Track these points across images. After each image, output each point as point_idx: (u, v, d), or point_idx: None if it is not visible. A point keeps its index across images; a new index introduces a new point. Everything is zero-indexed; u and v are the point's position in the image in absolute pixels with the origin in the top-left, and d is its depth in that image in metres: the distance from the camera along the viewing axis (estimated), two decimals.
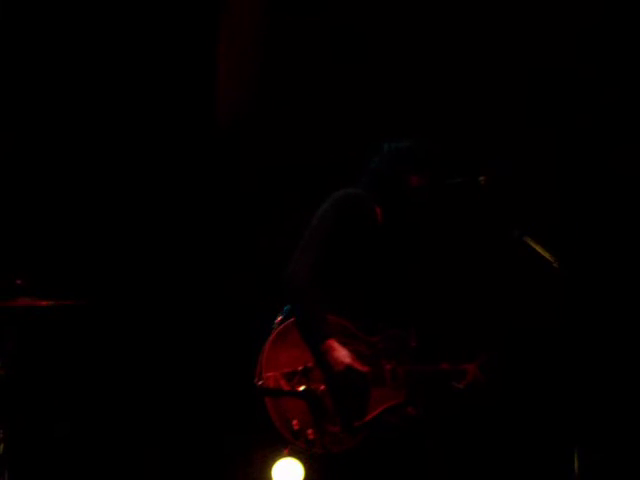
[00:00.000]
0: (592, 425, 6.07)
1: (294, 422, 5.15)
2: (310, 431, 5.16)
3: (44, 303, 5.61)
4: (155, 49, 6.81)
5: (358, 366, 5.25)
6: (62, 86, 6.74)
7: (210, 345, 6.72)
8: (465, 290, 6.64)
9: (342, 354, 5.24)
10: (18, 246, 6.51)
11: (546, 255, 5.32)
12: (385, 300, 5.50)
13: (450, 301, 6.51)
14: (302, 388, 5.20)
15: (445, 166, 5.51)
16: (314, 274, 5.33)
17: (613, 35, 6.68)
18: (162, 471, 6.56)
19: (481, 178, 5.43)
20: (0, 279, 5.60)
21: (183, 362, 6.70)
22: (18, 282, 5.58)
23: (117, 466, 6.53)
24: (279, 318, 5.38)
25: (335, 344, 5.25)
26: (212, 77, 6.92)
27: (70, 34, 6.71)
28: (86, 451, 6.51)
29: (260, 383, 5.19)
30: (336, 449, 5.21)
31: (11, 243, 6.48)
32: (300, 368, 5.24)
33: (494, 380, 5.53)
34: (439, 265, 6.18)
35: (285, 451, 5.25)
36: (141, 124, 6.80)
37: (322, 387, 5.23)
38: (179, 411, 6.64)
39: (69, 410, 6.51)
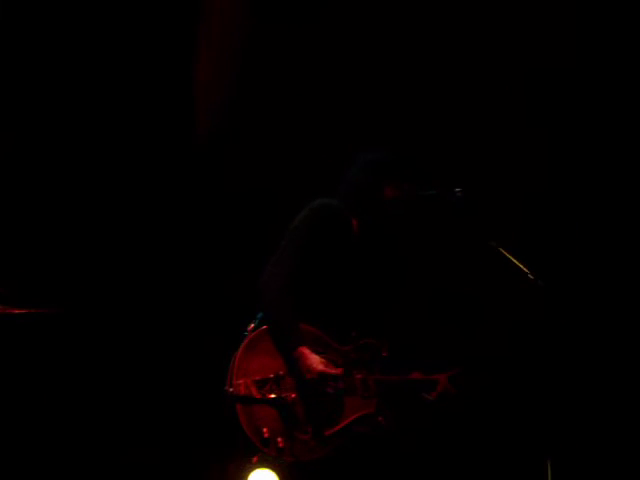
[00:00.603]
0: (565, 434, 6.08)
1: (264, 430, 5.14)
2: (280, 439, 5.16)
3: (17, 311, 5.61)
4: (133, 60, 6.81)
5: (331, 371, 5.25)
6: (41, 100, 6.74)
7: (182, 353, 6.71)
8: (439, 301, 6.65)
9: (314, 361, 5.24)
10: None
11: (522, 267, 5.33)
12: (358, 310, 5.51)
13: (424, 312, 6.52)
14: (273, 396, 5.20)
15: (421, 177, 5.52)
16: (288, 283, 5.33)
17: (608, 36, 6.70)
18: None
19: (457, 190, 5.44)
20: None
21: (156, 371, 6.69)
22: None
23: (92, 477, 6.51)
24: (251, 325, 5.38)
25: (307, 351, 5.26)
26: (190, 87, 6.93)
27: (50, 45, 6.72)
28: (63, 460, 6.48)
29: (231, 390, 5.19)
30: (306, 457, 5.21)
31: None
32: (272, 376, 5.24)
33: (465, 391, 5.54)
34: (414, 276, 6.18)
35: (254, 459, 5.23)
36: (120, 134, 6.80)
37: (293, 395, 5.23)
38: (152, 420, 6.62)
39: (45, 417, 6.49)
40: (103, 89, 6.78)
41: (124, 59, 6.78)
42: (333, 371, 5.25)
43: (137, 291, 6.74)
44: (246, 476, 5.39)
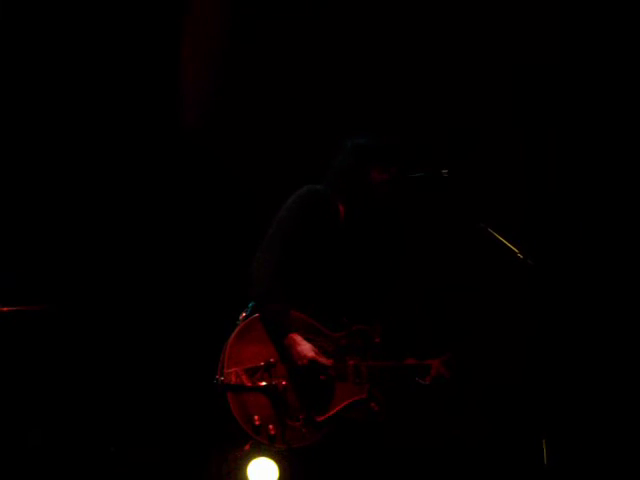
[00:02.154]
0: (560, 417, 6.05)
1: (255, 417, 5.15)
2: (271, 426, 5.16)
3: (5, 309, 5.64)
4: (119, 52, 6.83)
5: (321, 359, 5.25)
6: (30, 96, 6.76)
7: (175, 343, 6.72)
8: (430, 285, 6.63)
9: (305, 348, 5.24)
10: None
11: (511, 246, 5.31)
12: (349, 296, 5.49)
13: (415, 296, 6.49)
14: (264, 384, 5.21)
15: (407, 160, 5.50)
16: (278, 270, 5.33)
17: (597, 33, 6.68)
18: (136, 474, 6.54)
19: (444, 171, 5.42)
20: None
21: (150, 363, 6.70)
22: None
23: (90, 472, 6.51)
24: (243, 314, 5.38)
25: (298, 338, 5.25)
26: (176, 77, 6.94)
27: (41, 41, 6.74)
28: (59, 458, 6.50)
29: (222, 379, 5.19)
30: (298, 444, 5.21)
31: None
32: (262, 364, 5.24)
33: (458, 376, 5.52)
34: (403, 260, 6.16)
35: (246, 447, 5.23)
36: (107, 126, 6.82)
37: (284, 382, 5.22)
38: (149, 412, 6.64)
39: (39, 417, 6.51)
40: (89, 84, 6.80)
41: (110, 52, 6.80)
42: (324, 361, 5.25)
43: (129, 284, 6.75)
44: (245, 466, 5.42)
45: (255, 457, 5.38)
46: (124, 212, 6.80)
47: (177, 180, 6.87)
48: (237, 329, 5.30)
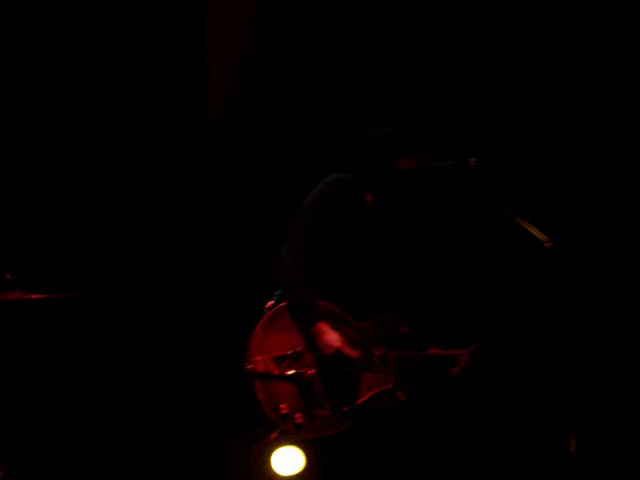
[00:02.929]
0: (588, 408, 6.04)
1: (283, 406, 5.17)
2: (299, 415, 5.18)
3: (35, 296, 5.68)
4: (145, 43, 6.85)
5: (348, 350, 5.26)
6: (55, 85, 6.81)
7: (201, 331, 6.75)
8: (457, 274, 6.62)
9: (332, 337, 5.26)
10: (8, 241, 6.56)
11: (537, 234, 5.30)
12: (376, 285, 5.50)
13: (441, 286, 6.49)
14: (291, 372, 5.22)
15: (433, 148, 5.49)
16: (307, 258, 5.35)
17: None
18: (159, 461, 6.57)
19: (471, 160, 5.42)
20: None
21: (174, 351, 6.74)
22: (8, 277, 5.65)
23: (113, 460, 6.55)
24: (270, 302, 5.40)
25: (326, 327, 5.27)
26: (203, 69, 6.96)
27: (62, 33, 6.78)
28: (83, 446, 6.54)
29: (249, 367, 5.21)
30: (325, 433, 5.23)
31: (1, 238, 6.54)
32: (290, 352, 5.26)
33: (486, 367, 5.52)
34: (430, 249, 6.17)
35: (273, 435, 5.25)
36: (133, 120, 6.85)
37: (311, 371, 5.24)
38: (177, 400, 6.67)
39: (61, 404, 6.55)
40: (117, 80, 6.84)
41: (137, 48, 6.84)
42: (349, 352, 5.26)
43: (157, 273, 6.79)
44: (270, 454, 5.44)
45: (280, 445, 5.42)
46: (149, 205, 6.84)
47: (202, 174, 6.90)
48: (264, 317, 5.32)
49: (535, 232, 5.30)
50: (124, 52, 6.84)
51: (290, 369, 5.23)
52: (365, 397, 5.32)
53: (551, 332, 5.63)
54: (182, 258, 6.85)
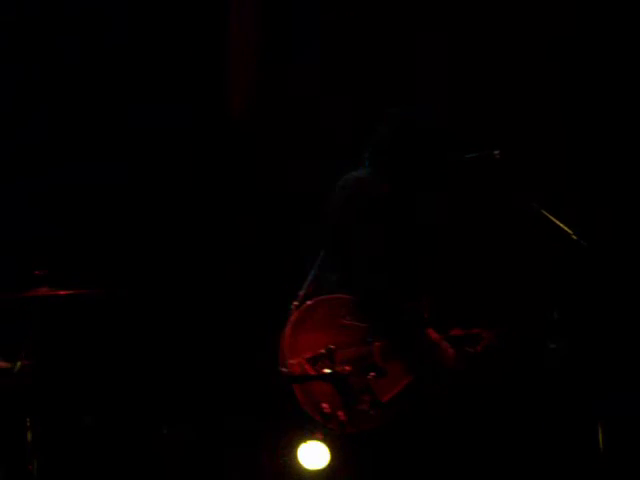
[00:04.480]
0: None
1: (324, 405, 5.20)
2: (341, 412, 5.20)
3: (63, 292, 5.70)
4: (166, 40, 6.83)
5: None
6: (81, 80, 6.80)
7: (228, 333, 6.79)
8: (482, 264, 6.61)
9: (450, 351, 5.35)
10: (37, 237, 6.58)
11: (564, 227, 5.32)
12: (398, 273, 5.53)
13: (465, 275, 6.49)
14: (328, 371, 5.24)
15: (458, 141, 5.48)
16: (379, 269, 5.33)
17: None
18: (186, 455, 6.63)
19: (496, 152, 5.41)
20: (20, 270, 5.68)
21: (203, 348, 6.77)
22: (37, 273, 5.67)
23: (142, 453, 6.60)
24: (295, 303, 5.43)
25: (436, 335, 5.35)
26: (223, 65, 6.94)
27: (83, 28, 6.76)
28: (113, 439, 6.58)
29: (285, 371, 5.25)
30: (367, 427, 5.28)
31: (30, 234, 6.54)
32: (323, 351, 5.27)
33: (510, 351, 5.55)
34: (455, 238, 6.17)
35: (319, 435, 5.29)
36: (154, 115, 6.84)
37: (347, 368, 5.27)
38: (204, 397, 6.71)
39: (93, 398, 6.59)
40: (137, 75, 6.82)
41: (158, 42, 6.82)
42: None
43: (181, 269, 6.81)
44: (296, 449, 5.47)
45: (305, 441, 5.45)
46: (176, 201, 6.84)
47: (226, 169, 6.89)
48: (292, 319, 5.35)
49: (560, 224, 5.31)
50: (147, 46, 6.83)
51: (326, 368, 5.25)
52: (401, 385, 5.37)
53: (579, 319, 5.63)
54: (209, 255, 6.87)
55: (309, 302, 5.37)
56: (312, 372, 5.24)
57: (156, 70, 6.89)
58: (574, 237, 5.31)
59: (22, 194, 6.80)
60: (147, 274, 6.78)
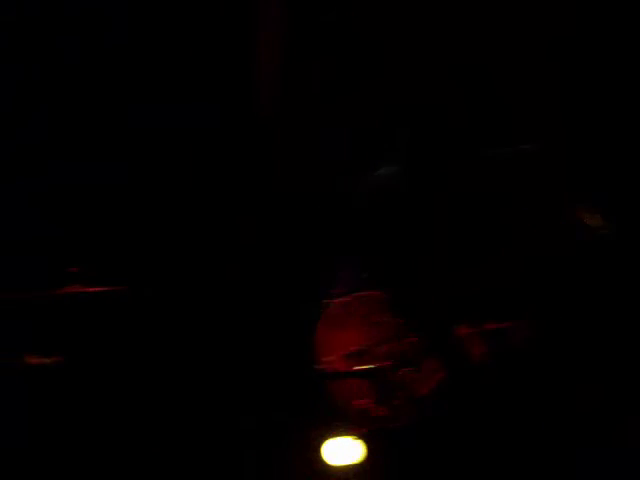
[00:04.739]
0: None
1: (361, 402, 5.26)
2: (379, 408, 5.27)
3: (94, 289, 5.67)
4: (193, 40, 6.80)
5: None
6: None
7: (257, 331, 6.78)
8: (512, 260, 6.65)
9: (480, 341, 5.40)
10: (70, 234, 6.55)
11: (595, 220, 5.40)
12: (427, 269, 5.58)
13: (495, 271, 6.54)
14: (364, 367, 5.30)
15: (488, 135, 5.54)
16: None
17: None
18: (211, 448, 6.61)
19: (526, 146, 5.48)
20: (52, 267, 5.66)
21: (235, 346, 6.75)
22: (71, 270, 5.65)
23: (167, 450, 6.58)
24: (327, 301, 5.46)
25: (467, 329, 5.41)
26: (250, 63, 6.92)
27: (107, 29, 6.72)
28: (138, 435, 6.55)
29: (321, 368, 5.28)
30: (404, 422, 5.33)
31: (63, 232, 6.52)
32: (357, 348, 5.33)
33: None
34: (485, 235, 6.22)
35: (355, 432, 5.33)
36: (180, 115, 6.81)
37: (383, 363, 5.32)
38: (232, 393, 6.69)
39: (121, 396, 6.54)
40: (161, 73, 6.78)
41: (184, 40, 6.76)
42: None
43: (204, 267, 6.78)
44: (322, 443, 5.48)
45: (334, 436, 5.47)
46: (198, 198, 6.81)
47: (250, 166, 6.88)
48: (326, 316, 5.37)
49: (592, 218, 5.39)
50: (173, 44, 6.77)
51: (361, 364, 5.31)
52: (433, 382, 5.43)
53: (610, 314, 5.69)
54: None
55: (342, 299, 5.40)
56: (348, 369, 5.28)
57: (182, 67, 6.87)
58: (607, 231, 5.39)
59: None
60: (173, 274, 6.75)
